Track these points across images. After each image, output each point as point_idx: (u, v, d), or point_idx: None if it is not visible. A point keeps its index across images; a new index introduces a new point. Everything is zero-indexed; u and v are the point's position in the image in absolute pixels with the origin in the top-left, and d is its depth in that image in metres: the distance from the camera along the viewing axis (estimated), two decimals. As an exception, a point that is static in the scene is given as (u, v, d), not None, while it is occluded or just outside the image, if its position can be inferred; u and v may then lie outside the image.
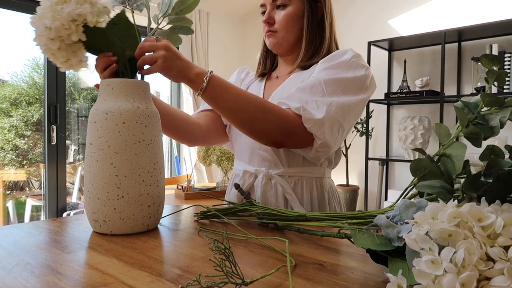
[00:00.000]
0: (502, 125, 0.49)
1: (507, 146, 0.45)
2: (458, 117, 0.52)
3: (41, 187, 3.04)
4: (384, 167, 3.01)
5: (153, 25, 0.81)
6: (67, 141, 2.90)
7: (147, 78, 0.78)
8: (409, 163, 0.54)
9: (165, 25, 0.83)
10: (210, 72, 0.79)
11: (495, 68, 0.52)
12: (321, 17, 0.99)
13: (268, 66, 1.11)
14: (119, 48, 0.73)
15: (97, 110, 0.67)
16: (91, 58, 0.75)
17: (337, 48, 1.01)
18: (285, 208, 0.91)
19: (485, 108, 0.51)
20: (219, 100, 0.82)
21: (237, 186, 0.88)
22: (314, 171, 0.97)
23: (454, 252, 0.31)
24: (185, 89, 3.43)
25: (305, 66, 0.99)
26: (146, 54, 0.75)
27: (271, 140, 0.88)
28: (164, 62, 0.74)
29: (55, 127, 2.73)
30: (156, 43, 0.75)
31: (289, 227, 0.65)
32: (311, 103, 0.84)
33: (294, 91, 0.89)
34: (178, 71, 0.77)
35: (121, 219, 0.66)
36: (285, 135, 0.85)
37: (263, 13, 1.01)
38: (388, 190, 3.04)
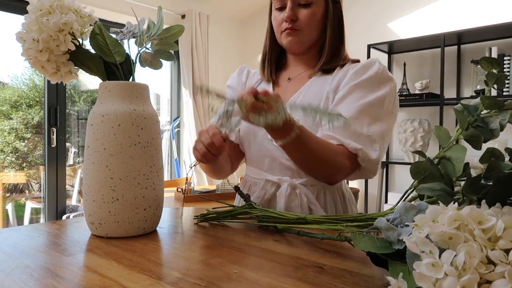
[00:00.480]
0: (502, 127, 0.49)
1: (507, 149, 0.45)
2: (458, 120, 0.52)
3: (40, 190, 3.04)
4: (384, 169, 3.01)
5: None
6: (67, 144, 2.90)
7: (145, 80, 0.77)
8: (409, 166, 0.53)
9: (146, 47, 0.82)
10: (298, 129, 0.76)
11: (494, 71, 0.52)
12: (341, 18, 0.98)
13: (274, 67, 1.06)
14: (110, 55, 0.73)
15: (94, 113, 0.68)
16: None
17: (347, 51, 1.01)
18: None
19: (484, 111, 0.51)
20: (293, 154, 0.84)
21: (237, 189, 0.87)
22: None
23: (455, 255, 0.31)
24: (185, 92, 3.43)
25: (326, 70, 0.97)
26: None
27: (328, 180, 0.92)
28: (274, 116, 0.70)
29: (55, 129, 2.73)
30: (270, 94, 0.70)
31: (289, 230, 0.65)
32: (363, 140, 0.86)
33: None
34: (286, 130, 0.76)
35: (116, 222, 0.66)
36: (341, 174, 0.89)
37: (280, 9, 0.96)
38: (388, 193, 3.03)
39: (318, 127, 0.91)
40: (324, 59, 0.96)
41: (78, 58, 0.72)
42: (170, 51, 0.80)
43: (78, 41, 0.70)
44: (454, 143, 0.52)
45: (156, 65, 0.82)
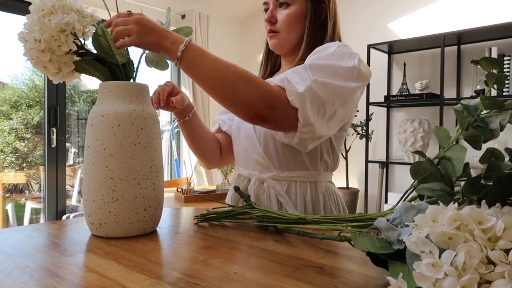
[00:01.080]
0: (502, 127, 0.49)
1: (507, 149, 0.45)
2: (458, 120, 0.52)
3: (40, 190, 3.04)
4: (384, 169, 3.01)
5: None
6: (67, 144, 2.90)
7: (146, 81, 0.77)
8: (409, 166, 0.53)
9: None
10: (187, 41, 0.75)
11: (494, 71, 0.52)
12: (325, 18, 0.97)
13: (269, 69, 1.09)
14: (112, 56, 0.73)
15: (94, 113, 0.68)
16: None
17: None
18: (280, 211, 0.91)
19: (484, 111, 0.51)
20: (196, 68, 0.77)
21: (237, 189, 0.88)
22: (309, 175, 0.95)
23: (455, 255, 0.31)
24: (185, 92, 3.43)
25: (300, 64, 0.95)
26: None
27: (252, 112, 0.78)
28: (139, 37, 0.73)
29: (55, 129, 2.73)
30: (128, 17, 0.74)
31: (289, 230, 0.65)
32: (295, 78, 0.79)
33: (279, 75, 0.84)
34: (155, 43, 0.75)
35: (116, 222, 0.66)
36: (267, 106, 0.77)
37: (266, 10, 0.99)
38: (388, 193, 3.03)
39: None
40: (300, 57, 0.95)
41: (83, 66, 0.72)
42: None
43: (80, 41, 0.70)
44: (454, 143, 0.52)
45: (163, 66, 0.82)
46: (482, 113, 0.51)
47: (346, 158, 3.09)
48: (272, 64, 1.09)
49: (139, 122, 0.68)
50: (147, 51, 0.81)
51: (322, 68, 0.82)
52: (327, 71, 0.81)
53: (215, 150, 1.09)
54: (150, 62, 0.82)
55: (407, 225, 0.40)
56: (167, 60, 0.82)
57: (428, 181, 0.48)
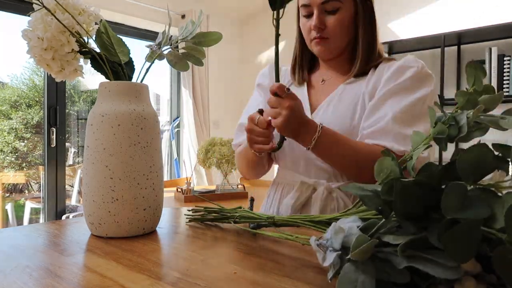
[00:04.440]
0: (469, 123, 0.44)
1: (495, 145, 0.39)
2: (429, 117, 0.50)
3: (40, 190, 3.04)
4: (384, 170, 3.01)
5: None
6: (67, 144, 2.90)
7: (145, 80, 0.77)
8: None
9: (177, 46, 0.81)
10: (319, 132, 0.80)
11: (481, 76, 0.50)
12: (373, 17, 0.92)
13: (306, 72, 1.02)
14: (114, 55, 0.73)
15: (94, 113, 0.68)
16: (86, 66, 0.75)
17: (381, 51, 0.95)
18: None
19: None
20: (327, 154, 0.83)
21: (251, 199, 0.86)
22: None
23: None
24: (185, 92, 3.43)
25: (359, 74, 0.92)
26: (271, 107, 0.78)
27: (371, 181, 0.85)
28: (283, 125, 0.77)
29: (54, 129, 2.73)
30: (283, 100, 0.77)
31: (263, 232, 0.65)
32: (408, 141, 0.80)
33: (381, 129, 0.83)
34: (292, 133, 0.80)
35: (115, 222, 0.66)
36: None
37: (307, 16, 0.91)
38: (388, 193, 3.03)
39: (355, 130, 0.88)
40: (359, 65, 0.92)
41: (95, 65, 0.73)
42: (198, 56, 0.80)
43: (83, 40, 0.70)
44: (428, 143, 0.49)
45: (183, 67, 0.81)
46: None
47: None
48: (308, 68, 1.03)
49: (139, 122, 0.67)
50: (168, 51, 0.79)
51: (414, 107, 0.83)
52: (417, 107, 0.84)
53: (266, 167, 1.05)
54: (169, 62, 0.80)
55: (336, 250, 0.38)
56: (188, 62, 0.81)
57: (391, 182, 0.44)
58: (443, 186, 0.34)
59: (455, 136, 0.45)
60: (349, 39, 0.93)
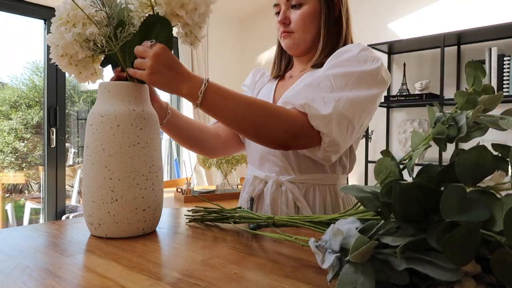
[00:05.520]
0: (469, 123, 0.44)
1: (494, 145, 0.39)
2: (429, 117, 0.50)
3: (40, 190, 3.04)
4: (384, 170, 3.01)
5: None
6: (67, 144, 2.90)
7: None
8: (409, 166, 0.51)
9: None
10: (205, 84, 0.73)
11: (481, 76, 0.50)
12: (338, 15, 0.96)
13: (283, 67, 1.08)
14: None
15: (94, 113, 0.68)
16: (106, 68, 0.78)
17: None
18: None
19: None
20: (218, 111, 0.77)
21: (251, 199, 0.86)
22: (327, 178, 0.93)
23: None
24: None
25: (317, 65, 0.95)
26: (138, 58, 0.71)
27: (278, 144, 0.83)
28: (150, 74, 0.69)
29: (54, 129, 2.72)
30: (148, 49, 0.70)
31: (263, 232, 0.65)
32: (317, 100, 0.79)
33: (300, 89, 0.84)
34: (168, 84, 0.72)
35: (115, 222, 0.66)
36: (292, 137, 0.80)
37: (278, 13, 0.98)
38: (388, 193, 3.03)
39: None
40: (317, 56, 0.95)
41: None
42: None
43: (99, 46, 0.69)
44: (427, 144, 0.48)
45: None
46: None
47: (346, 158, 3.09)
48: (285, 63, 1.08)
49: (138, 123, 0.67)
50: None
51: (345, 76, 0.82)
52: (350, 79, 0.82)
53: (213, 141, 1.03)
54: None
55: (335, 252, 0.37)
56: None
57: (389, 184, 0.44)
58: (442, 188, 0.34)
59: (454, 137, 0.45)
60: (314, 35, 0.96)
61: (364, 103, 0.82)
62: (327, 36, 0.95)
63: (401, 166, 0.45)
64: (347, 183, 1.02)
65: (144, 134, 0.68)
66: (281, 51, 1.08)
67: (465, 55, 2.72)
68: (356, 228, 0.38)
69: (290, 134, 0.80)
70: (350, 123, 0.80)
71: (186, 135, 0.98)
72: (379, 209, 0.37)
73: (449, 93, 2.75)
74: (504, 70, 2.41)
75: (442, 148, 0.45)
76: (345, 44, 0.95)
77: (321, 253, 0.39)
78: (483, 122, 0.44)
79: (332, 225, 0.40)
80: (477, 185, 0.34)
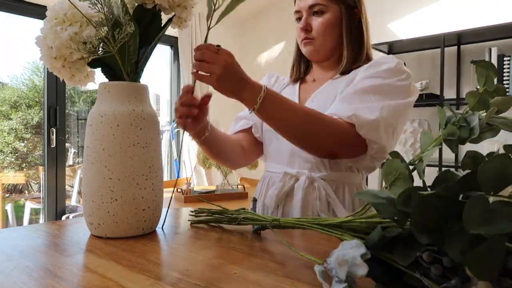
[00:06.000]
0: (481, 124, 0.44)
1: (506, 146, 0.39)
2: (439, 118, 0.49)
3: (40, 190, 3.04)
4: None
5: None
6: (67, 144, 2.90)
7: (145, 80, 0.77)
8: (409, 166, 0.51)
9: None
10: (264, 91, 0.77)
11: (492, 76, 0.49)
12: (359, 23, 0.99)
13: (302, 71, 1.10)
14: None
15: (93, 113, 0.68)
16: (99, 72, 0.76)
17: (370, 52, 1.01)
18: (328, 212, 0.91)
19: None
20: (273, 117, 0.81)
21: (254, 200, 0.86)
22: (355, 177, 0.95)
23: None
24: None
25: (344, 72, 0.98)
26: (205, 61, 0.74)
27: (325, 152, 0.88)
28: (218, 80, 0.74)
29: (54, 130, 2.72)
30: (218, 55, 0.74)
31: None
32: (362, 109, 0.83)
33: (341, 101, 0.88)
34: (232, 91, 0.77)
35: (114, 222, 0.66)
36: (340, 145, 0.85)
37: (298, 19, 1.00)
38: (388, 193, 3.03)
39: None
40: (344, 63, 0.97)
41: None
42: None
43: (94, 47, 0.69)
44: (437, 145, 0.48)
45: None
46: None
47: (346, 159, 3.09)
48: (304, 67, 1.10)
49: (138, 123, 0.67)
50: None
51: (384, 88, 0.87)
52: (388, 90, 0.87)
53: (238, 154, 1.06)
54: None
55: (342, 280, 0.37)
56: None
57: (399, 184, 0.41)
58: (461, 196, 0.34)
59: (466, 138, 0.44)
60: (335, 42, 0.99)
61: (404, 109, 0.88)
62: (350, 44, 0.97)
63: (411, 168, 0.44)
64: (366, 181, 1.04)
65: (144, 134, 0.68)
66: (299, 56, 1.09)
67: (465, 55, 2.72)
68: (361, 255, 0.36)
69: (338, 143, 0.85)
70: (395, 129, 0.87)
71: (218, 151, 1.01)
72: (395, 217, 0.36)
73: (449, 93, 2.75)
74: (504, 70, 2.41)
75: (454, 150, 0.45)
76: (367, 50, 0.99)
77: (328, 284, 0.38)
78: (495, 123, 0.43)
79: (336, 253, 0.39)
80: (499, 194, 0.33)
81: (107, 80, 0.73)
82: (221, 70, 0.73)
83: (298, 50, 1.08)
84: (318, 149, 0.88)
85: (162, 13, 0.75)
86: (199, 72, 0.75)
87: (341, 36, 0.98)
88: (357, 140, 0.84)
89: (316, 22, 0.96)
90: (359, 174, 0.97)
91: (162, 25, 0.75)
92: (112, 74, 0.72)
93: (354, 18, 0.98)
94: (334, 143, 0.85)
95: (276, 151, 1.02)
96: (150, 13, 0.72)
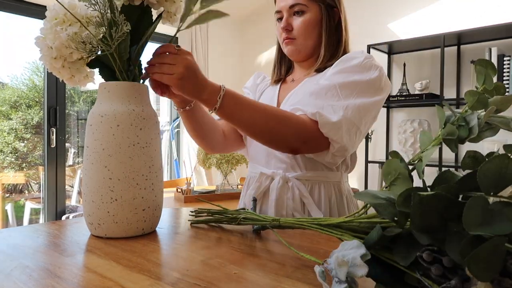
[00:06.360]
0: (480, 124, 0.44)
1: (506, 146, 0.38)
2: (438, 118, 0.49)
3: (40, 190, 3.04)
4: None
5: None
6: (67, 144, 2.90)
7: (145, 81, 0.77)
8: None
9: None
10: (223, 90, 0.77)
11: (491, 74, 0.49)
12: (338, 22, 1.00)
13: (283, 72, 1.11)
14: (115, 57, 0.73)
15: (93, 113, 0.68)
16: (97, 72, 0.76)
17: (348, 50, 1.01)
18: (302, 212, 0.93)
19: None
20: (234, 117, 0.81)
21: (254, 199, 0.87)
22: (332, 176, 0.96)
23: None
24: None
25: (320, 69, 0.99)
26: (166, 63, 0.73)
27: (289, 148, 0.88)
28: (180, 80, 0.72)
29: (54, 130, 2.72)
30: (178, 56, 0.73)
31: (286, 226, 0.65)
32: (327, 108, 0.84)
33: (308, 97, 0.89)
34: (192, 91, 0.76)
35: (114, 222, 0.66)
36: (302, 142, 0.85)
37: (279, 19, 1.01)
38: (388, 193, 3.03)
39: None
40: (320, 62, 0.98)
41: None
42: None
43: (94, 48, 0.69)
44: (437, 145, 0.48)
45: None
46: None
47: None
48: (285, 68, 1.11)
49: (138, 123, 0.67)
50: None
51: (351, 85, 0.87)
52: (356, 87, 0.87)
53: (217, 138, 1.06)
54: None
55: (342, 281, 0.37)
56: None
57: (399, 184, 0.41)
58: (460, 197, 0.33)
59: (465, 138, 0.44)
60: (316, 41, 0.99)
61: (370, 109, 0.87)
62: (328, 42, 0.98)
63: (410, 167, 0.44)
64: (347, 181, 1.04)
65: (143, 134, 0.68)
66: (281, 56, 1.11)
67: (465, 55, 2.72)
68: (361, 256, 0.36)
69: (301, 139, 0.85)
70: (358, 129, 0.86)
71: (199, 127, 1.00)
72: (395, 217, 0.36)
73: (449, 93, 2.75)
74: (504, 70, 2.41)
75: (453, 149, 0.44)
76: (344, 49, 1.00)
77: (328, 285, 0.38)
78: (494, 123, 0.43)
79: (335, 254, 0.39)
80: (498, 195, 0.33)
81: (103, 80, 0.72)
82: (183, 69, 0.72)
83: (280, 51, 1.10)
84: (282, 145, 0.87)
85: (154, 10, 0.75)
86: (156, 73, 0.73)
87: (321, 35, 0.99)
88: (319, 137, 0.84)
89: (297, 21, 0.97)
90: (338, 173, 0.97)
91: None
92: (108, 74, 0.72)
93: (334, 17, 0.99)
94: (297, 141, 0.85)
95: (255, 152, 1.05)
96: (139, 9, 0.71)
